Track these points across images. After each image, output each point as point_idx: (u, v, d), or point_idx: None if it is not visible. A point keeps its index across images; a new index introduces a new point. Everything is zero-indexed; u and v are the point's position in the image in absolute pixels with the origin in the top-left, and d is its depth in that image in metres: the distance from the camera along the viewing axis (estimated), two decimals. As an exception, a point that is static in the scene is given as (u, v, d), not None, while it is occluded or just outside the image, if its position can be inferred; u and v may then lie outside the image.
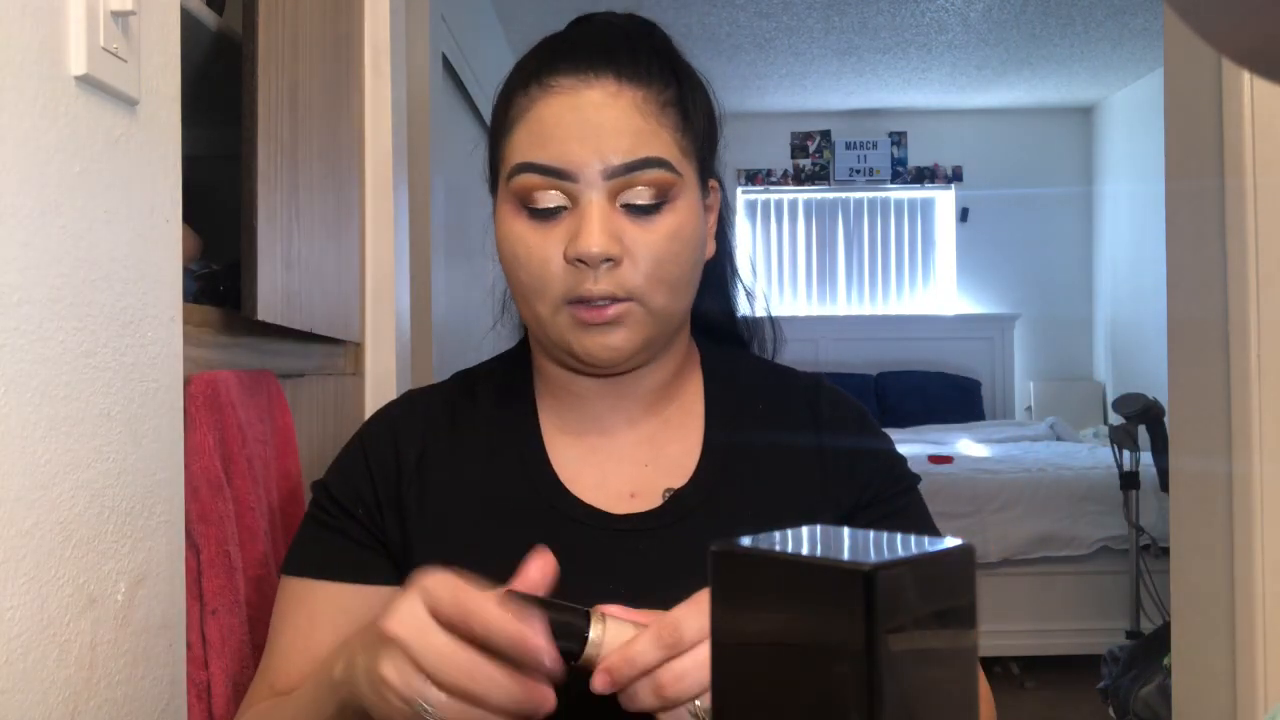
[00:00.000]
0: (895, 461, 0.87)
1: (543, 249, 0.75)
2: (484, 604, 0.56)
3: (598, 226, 0.73)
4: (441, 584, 0.58)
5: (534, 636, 0.56)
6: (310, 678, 0.72)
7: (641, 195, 0.75)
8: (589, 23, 0.82)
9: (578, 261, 0.74)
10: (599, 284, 0.74)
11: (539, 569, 0.61)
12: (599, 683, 0.57)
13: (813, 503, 0.82)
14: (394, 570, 0.81)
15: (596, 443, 0.84)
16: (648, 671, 0.57)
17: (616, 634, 0.59)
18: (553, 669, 0.56)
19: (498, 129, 0.81)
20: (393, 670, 0.58)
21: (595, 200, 0.74)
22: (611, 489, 0.82)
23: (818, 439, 0.85)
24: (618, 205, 0.75)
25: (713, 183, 0.84)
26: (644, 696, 0.57)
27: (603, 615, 0.60)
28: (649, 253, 0.75)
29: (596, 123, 0.74)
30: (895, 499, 0.85)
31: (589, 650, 0.58)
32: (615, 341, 0.76)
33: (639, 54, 0.78)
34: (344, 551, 0.81)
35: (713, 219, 0.85)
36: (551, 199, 0.75)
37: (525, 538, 0.77)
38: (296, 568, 0.82)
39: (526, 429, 0.84)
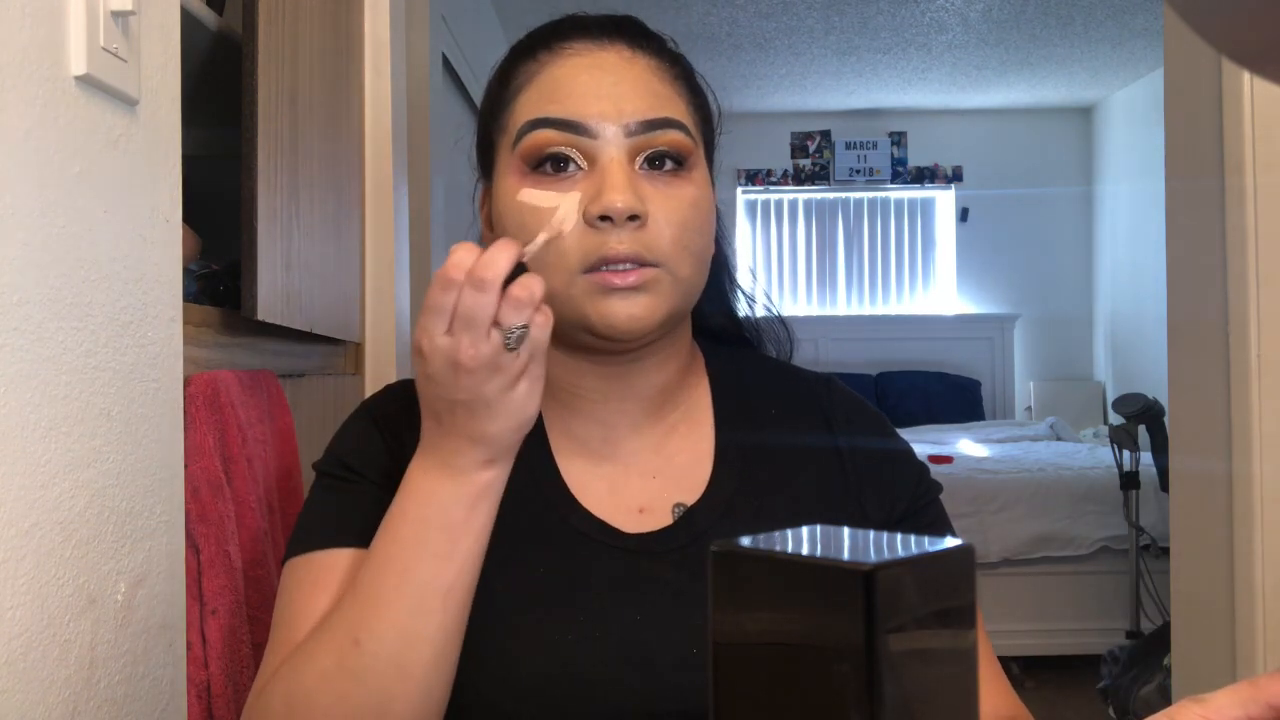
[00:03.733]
0: (921, 473, 0.83)
1: (558, 213, 0.70)
2: (479, 263, 0.60)
3: (623, 182, 0.69)
4: (427, 307, 0.62)
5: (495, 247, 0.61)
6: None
7: (662, 157, 0.72)
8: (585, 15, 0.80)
9: (600, 220, 0.69)
10: (624, 244, 0.69)
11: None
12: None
13: (835, 511, 0.79)
14: None
15: (601, 451, 0.79)
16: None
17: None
18: (519, 248, 0.62)
19: (496, 103, 0.77)
20: (467, 345, 0.61)
21: (615, 156, 0.70)
22: (620, 502, 0.78)
23: (834, 443, 0.82)
24: (637, 167, 0.72)
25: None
26: None
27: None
28: (674, 216, 0.71)
29: (614, 80, 0.72)
30: (923, 513, 0.81)
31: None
32: (638, 310, 0.70)
33: (649, 33, 0.77)
34: (363, 515, 0.73)
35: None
36: (566, 157, 0.71)
37: (539, 550, 0.75)
38: (321, 541, 0.73)
39: (537, 445, 0.79)
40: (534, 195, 0.71)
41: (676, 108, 0.74)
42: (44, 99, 0.69)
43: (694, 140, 0.74)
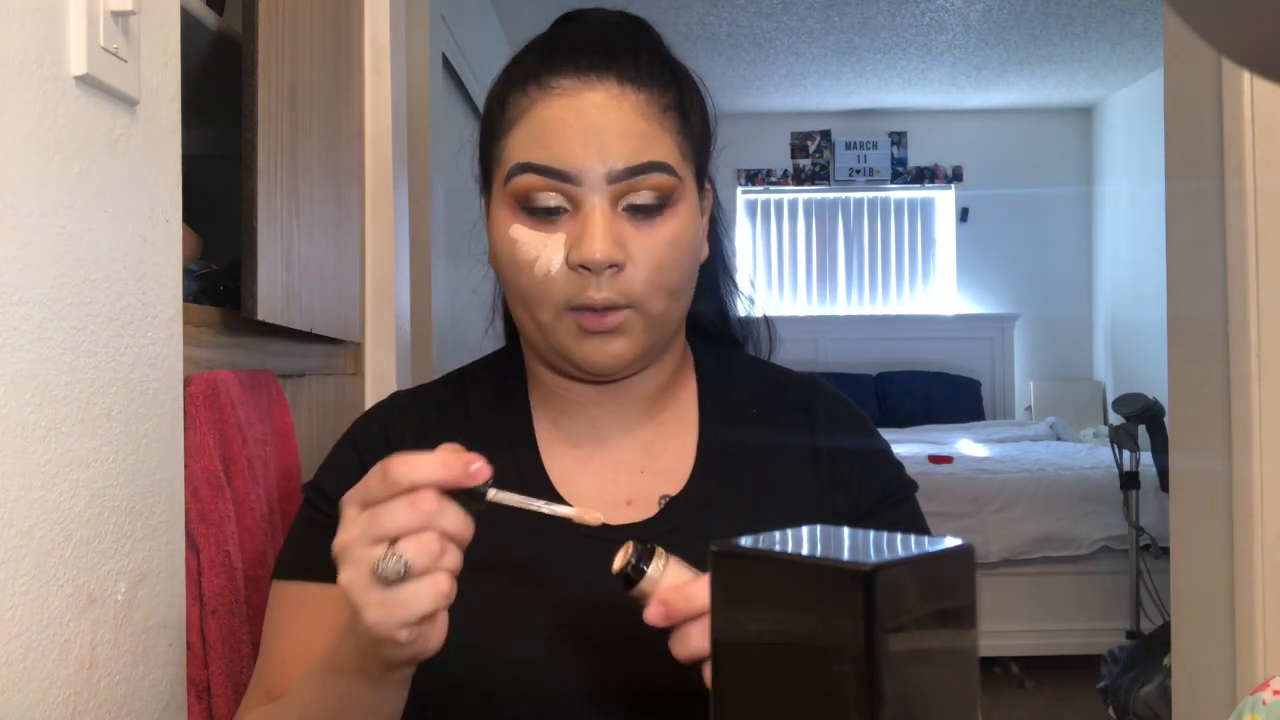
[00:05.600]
0: (894, 471, 0.86)
1: (544, 253, 0.74)
2: (399, 458, 0.57)
3: (602, 232, 0.73)
4: (358, 486, 0.59)
5: (451, 453, 0.57)
6: (307, 671, 0.71)
7: (644, 199, 0.74)
8: (580, 20, 0.80)
9: (581, 268, 0.73)
10: (602, 291, 0.73)
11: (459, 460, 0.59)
12: (653, 614, 0.58)
13: (810, 506, 0.82)
14: None
15: (592, 450, 0.83)
16: (703, 614, 0.56)
17: (675, 574, 0.60)
18: (481, 473, 0.58)
19: (493, 130, 0.80)
20: (348, 571, 0.58)
21: (598, 204, 0.73)
22: (608, 497, 0.81)
23: (813, 441, 0.84)
24: (619, 209, 0.75)
25: (707, 184, 0.84)
26: (695, 639, 0.57)
27: (665, 554, 0.61)
28: (650, 258, 0.74)
29: (600, 126, 0.74)
30: (892, 510, 0.84)
31: (644, 584, 0.59)
32: (615, 350, 0.76)
33: (640, 55, 0.77)
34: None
35: (705, 220, 0.84)
36: (552, 201, 0.74)
37: (522, 549, 0.76)
38: (290, 572, 0.80)
39: (521, 437, 0.83)
40: (523, 233, 0.75)
41: (662, 146, 0.75)
42: (44, 99, 0.69)
43: (679, 176, 0.76)
